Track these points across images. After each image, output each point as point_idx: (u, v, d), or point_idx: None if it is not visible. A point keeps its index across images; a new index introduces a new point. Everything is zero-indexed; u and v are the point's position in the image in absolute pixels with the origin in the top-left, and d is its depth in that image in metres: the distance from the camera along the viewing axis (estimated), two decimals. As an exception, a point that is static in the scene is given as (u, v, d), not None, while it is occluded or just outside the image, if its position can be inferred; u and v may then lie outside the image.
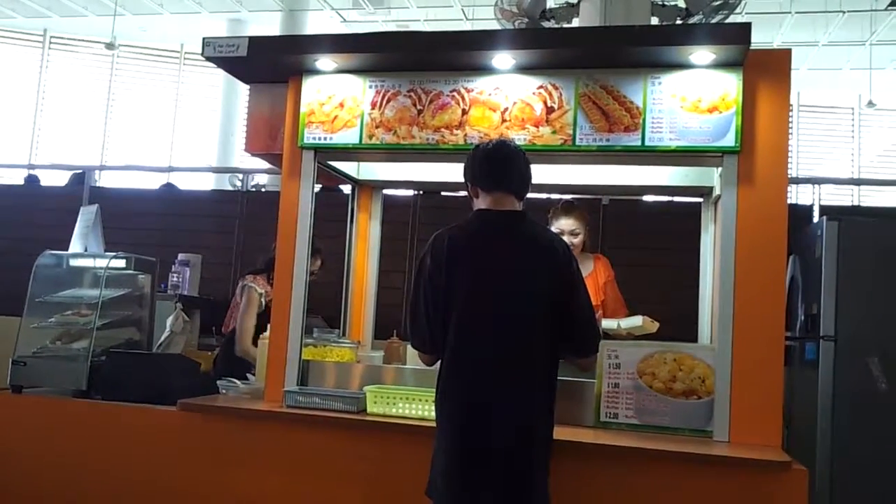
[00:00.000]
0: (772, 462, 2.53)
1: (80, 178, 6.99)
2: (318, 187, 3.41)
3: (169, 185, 7.57)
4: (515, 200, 2.56)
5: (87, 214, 4.01)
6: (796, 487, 2.51)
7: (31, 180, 7.86)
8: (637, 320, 3.50)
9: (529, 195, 2.65)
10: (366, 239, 4.06)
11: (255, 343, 3.82)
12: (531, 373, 2.41)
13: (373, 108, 3.20)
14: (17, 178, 9.35)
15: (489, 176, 2.57)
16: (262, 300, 4.04)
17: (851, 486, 3.82)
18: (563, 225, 3.77)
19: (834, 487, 3.81)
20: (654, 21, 6.66)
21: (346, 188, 4.20)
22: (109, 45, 12.37)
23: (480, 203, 2.58)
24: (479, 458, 2.34)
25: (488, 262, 2.46)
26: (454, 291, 2.44)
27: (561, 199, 3.95)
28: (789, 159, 2.91)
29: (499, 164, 2.58)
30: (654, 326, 3.47)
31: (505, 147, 2.62)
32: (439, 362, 2.52)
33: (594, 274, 3.81)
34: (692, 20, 6.61)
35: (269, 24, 12.39)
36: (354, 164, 3.86)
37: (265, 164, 4.06)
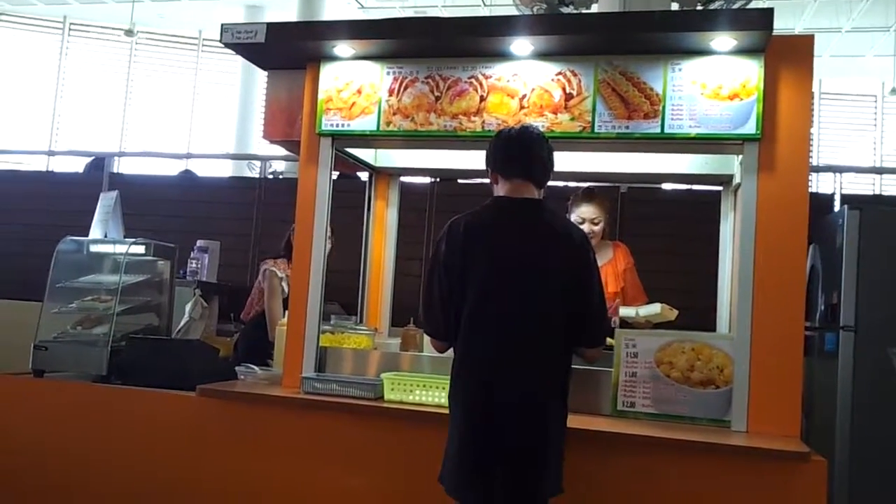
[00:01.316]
0: (791, 453, 2.52)
1: (97, 164, 7.02)
2: (336, 174, 3.41)
3: (187, 172, 7.59)
4: (535, 188, 2.54)
5: (106, 201, 4.03)
6: (815, 478, 2.50)
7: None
8: (655, 308, 3.48)
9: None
10: (383, 226, 4.06)
11: None
12: (545, 360, 2.40)
13: (390, 95, 3.20)
14: (37, 164, 9.44)
15: (508, 162, 2.56)
16: (284, 284, 4.04)
17: (871, 477, 3.79)
18: (584, 213, 3.73)
19: (853, 478, 3.79)
20: (675, 6, 6.60)
21: (364, 175, 4.20)
22: (128, 32, 12.43)
23: (499, 190, 2.56)
24: (492, 446, 2.34)
25: (504, 249, 2.45)
26: (469, 278, 2.43)
27: (581, 187, 3.92)
28: (811, 147, 2.88)
29: (519, 150, 2.56)
30: (672, 314, 3.45)
31: (527, 133, 2.59)
32: (453, 350, 2.52)
33: (613, 261, 3.79)
34: (713, 6, 6.54)
35: (287, 11, 12.38)
36: (372, 150, 3.86)
37: (283, 151, 4.06)
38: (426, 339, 3.26)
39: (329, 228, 3.81)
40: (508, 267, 2.43)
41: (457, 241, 2.47)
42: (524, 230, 2.49)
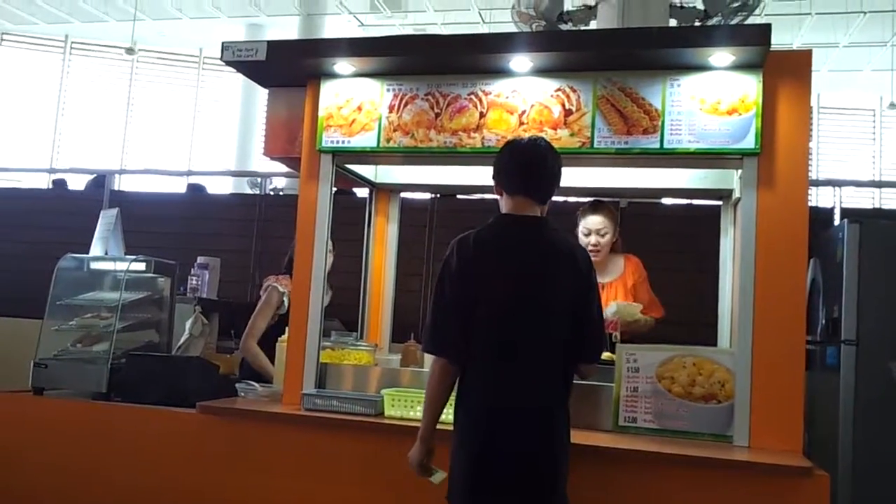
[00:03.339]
0: (793, 467, 2.51)
1: (99, 181, 7.04)
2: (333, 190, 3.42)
3: (196, 188, 7.56)
4: (536, 205, 2.52)
5: (107, 218, 4.04)
6: (818, 493, 2.48)
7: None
8: (612, 307, 3.54)
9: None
10: (383, 242, 4.06)
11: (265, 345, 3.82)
12: (551, 378, 2.40)
13: (390, 112, 3.21)
14: (39, 181, 9.45)
15: (510, 178, 2.54)
16: (285, 300, 4.02)
17: (873, 491, 3.77)
18: (591, 223, 3.71)
19: (855, 493, 3.77)
20: (673, 23, 6.63)
21: (360, 191, 4.21)
22: (129, 50, 12.50)
23: (503, 204, 2.55)
24: (502, 457, 2.33)
25: (511, 266, 2.44)
26: (480, 291, 2.41)
27: (580, 202, 3.90)
28: (810, 161, 2.89)
29: (523, 167, 2.53)
30: (634, 309, 3.53)
31: (533, 149, 2.55)
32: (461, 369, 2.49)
33: (623, 277, 3.76)
34: (711, 22, 6.57)
35: (288, 29, 12.45)
36: (372, 167, 3.86)
37: (284, 168, 4.07)
38: (427, 355, 3.26)
39: (331, 241, 3.82)
40: (515, 283, 2.42)
41: (467, 254, 2.45)
42: (529, 248, 2.48)
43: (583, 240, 3.69)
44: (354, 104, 3.25)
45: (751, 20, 6.76)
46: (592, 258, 3.51)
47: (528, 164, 2.54)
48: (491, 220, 2.55)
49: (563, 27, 7.12)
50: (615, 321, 3.52)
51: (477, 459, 2.36)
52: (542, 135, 3.00)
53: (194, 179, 8.42)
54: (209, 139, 14.23)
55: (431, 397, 2.46)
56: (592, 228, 3.70)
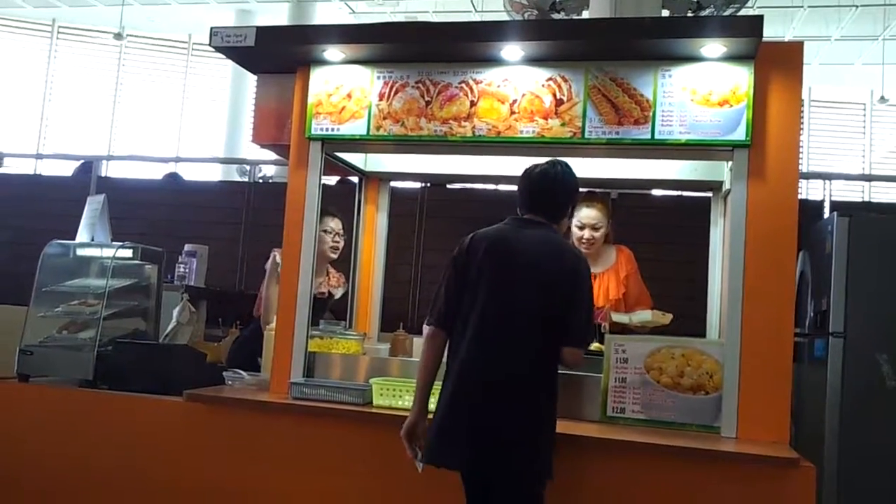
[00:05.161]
0: (780, 459, 2.52)
1: (86, 167, 6.96)
2: (335, 179, 3.39)
3: (172, 175, 7.48)
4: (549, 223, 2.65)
5: (94, 204, 4.00)
6: (804, 484, 2.50)
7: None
8: (647, 315, 3.47)
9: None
10: (373, 231, 4.05)
11: None
12: (528, 356, 2.47)
13: (381, 100, 3.19)
14: (25, 167, 9.37)
15: (522, 202, 2.67)
16: (277, 270, 3.91)
17: (859, 483, 3.79)
18: (585, 217, 3.66)
19: (842, 485, 3.79)
20: (665, 13, 6.62)
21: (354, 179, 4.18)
22: (117, 35, 12.39)
23: None
24: (462, 438, 2.42)
25: (506, 252, 2.55)
26: (469, 278, 2.54)
27: (581, 192, 3.86)
28: (800, 154, 2.89)
29: (534, 197, 2.65)
30: (665, 318, 3.44)
31: (544, 181, 2.64)
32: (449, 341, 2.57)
33: (616, 267, 3.75)
34: (703, 13, 6.56)
35: (278, 15, 12.36)
36: (362, 155, 3.84)
37: (272, 155, 4.04)
38: (415, 344, 3.27)
39: (339, 222, 3.77)
40: (508, 266, 2.53)
41: (466, 246, 2.60)
42: (528, 240, 2.57)
43: (576, 233, 3.66)
44: (344, 91, 3.23)
45: (743, 12, 6.76)
46: (585, 251, 3.54)
47: (539, 193, 2.65)
48: (505, 221, 2.67)
49: (556, 16, 7.10)
50: (603, 312, 3.51)
51: (440, 426, 2.46)
52: (533, 124, 3.00)
53: (183, 166, 8.34)
54: (198, 126, 14.13)
55: (422, 360, 2.60)
56: (587, 223, 3.66)
